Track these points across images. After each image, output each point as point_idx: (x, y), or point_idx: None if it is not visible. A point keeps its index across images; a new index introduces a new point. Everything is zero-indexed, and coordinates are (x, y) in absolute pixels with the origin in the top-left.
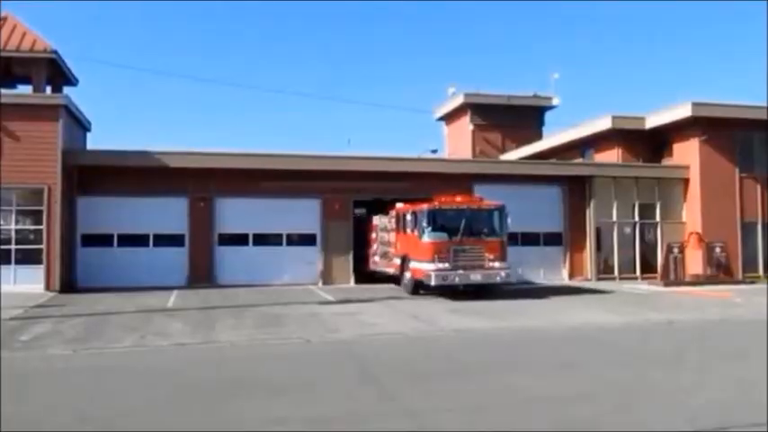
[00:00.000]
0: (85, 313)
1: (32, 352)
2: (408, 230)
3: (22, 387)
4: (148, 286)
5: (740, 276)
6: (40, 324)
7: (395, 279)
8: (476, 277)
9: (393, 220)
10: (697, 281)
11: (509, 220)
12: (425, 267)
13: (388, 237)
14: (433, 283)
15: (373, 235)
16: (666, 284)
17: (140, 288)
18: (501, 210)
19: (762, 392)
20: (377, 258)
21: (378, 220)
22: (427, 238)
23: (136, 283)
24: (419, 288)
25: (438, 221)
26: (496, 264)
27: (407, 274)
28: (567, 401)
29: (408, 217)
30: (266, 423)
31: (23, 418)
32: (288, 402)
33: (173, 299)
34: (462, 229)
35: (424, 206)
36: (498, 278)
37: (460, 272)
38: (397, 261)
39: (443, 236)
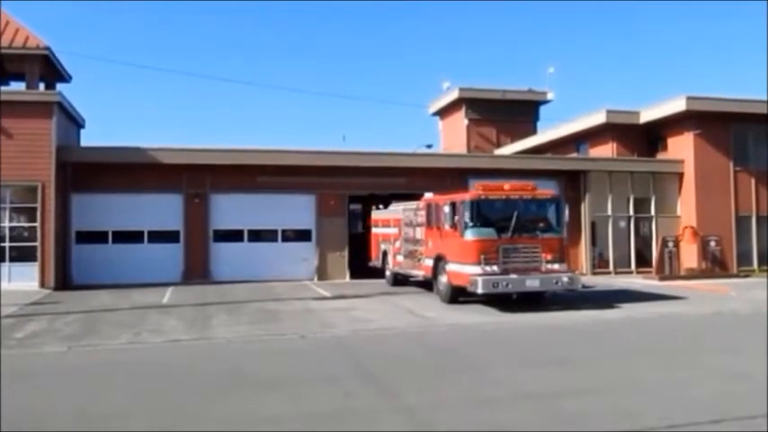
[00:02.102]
0: (80, 310)
1: (27, 350)
2: (445, 226)
3: (17, 385)
4: (143, 283)
5: (735, 270)
6: (34, 321)
7: (424, 284)
8: (532, 283)
9: (422, 214)
10: (692, 275)
11: (567, 213)
12: (469, 271)
13: (414, 233)
14: (480, 290)
15: (374, 230)
16: (661, 279)
17: (135, 285)
18: (558, 200)
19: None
20: (400, 258)
21: (385, 214)
22: (471, 235)
23: (131, 280)
24: (458, 295)
25: (484, 215)
26: (556, 266)
27: (443, 279)
28: None
29: (446, 209)
30: (261, 420)
31: (20, 417)
32: (283, 398)
33: (168, 295)
34: (514, 223)
35: (467, 196)
36: (559, 283)
37: (513, 276)
38: (428, 263)
39: (491, 233)
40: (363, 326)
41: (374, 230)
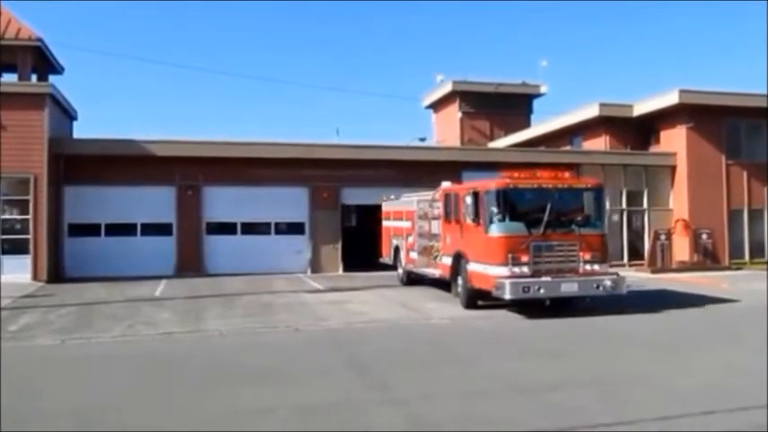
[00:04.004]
0: (73, 303)
1: (21, 342)
2: (466, 219)
3: (10, 378)
4: (136, 276)
5: (727, 263)
6: (27, 314)
7: (441, 283)
8: (570, 287)
9: (438, 205)
10: (684, 267)
11: (608, 205)
12: (494, 272)
13: (430, 227)
14: (508, 294)
15: (385, 223)
16: (653, 271)
17: (128, 277)
18: (600, 190)
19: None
20: (414, 255)
21: (397, 205)
22: (497, 230)
23: (124, 273)
24: (477, 299)
25: (512, 206)
26: (596, 266)
27: (461, 280)
28: None
29: (467, 200)
30: (254, 412)
31: (12, 410)
32: (276, 391)
33: (161, 288)
34: (547, 217)
35: (492, 184)
36: (601, 288)
37: (546, 279)
38: (446, 261)
39: (520, 228)
40: (356, 318)
41: (385, 224)
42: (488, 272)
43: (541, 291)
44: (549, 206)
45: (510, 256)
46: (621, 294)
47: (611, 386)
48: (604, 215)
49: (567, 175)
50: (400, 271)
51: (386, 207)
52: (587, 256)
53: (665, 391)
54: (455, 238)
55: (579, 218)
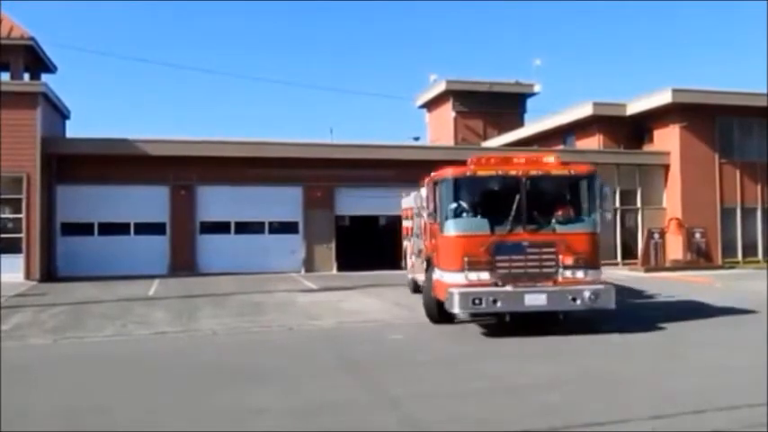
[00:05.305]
0: (66, 302)
1: (12, 342)
2: (424, 216)
3: (3, 378)
4: (130, 275)
5: (720, 262)
6: (20, 313)
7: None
8: (536, 300)
9: (421, 199)
10: (677, 266)
11: (609, 197)
12: (449, 280)
13: (421, 226)
14: (456, 308)
15: (404, 223)
16: (647, 270)
17: (121, 277)
18: (591, 177)
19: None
20: (414, 259)
21: (408, 201)
22: (452, 228)
23: (117, 272)
24: (447, 313)
25: (472, 200)
26: (580, 273)
27: (424, 289)
28: None
29: (423, 192)
30: (247, 413)
31: (5, 410)
32: (269, 391)
33: (154, 287)
34: (515, 211)
35: (448, 172)
36: (579, 301)
37: (507, 289)
38: (424, 266)
39: (480, 225)
40: (349, 318)
41: (404, 223)
42: (444, 279)
43: (498, 304)
44: (518, 198)
45: (466, 259)
46: (609, 309)
47: None
48: (599, 210)
49: (551, 160)
50: (409, 276)
51: (404, 204)
52: (569, 261)
53: None
54: (429, 239)
55: (561, 212)
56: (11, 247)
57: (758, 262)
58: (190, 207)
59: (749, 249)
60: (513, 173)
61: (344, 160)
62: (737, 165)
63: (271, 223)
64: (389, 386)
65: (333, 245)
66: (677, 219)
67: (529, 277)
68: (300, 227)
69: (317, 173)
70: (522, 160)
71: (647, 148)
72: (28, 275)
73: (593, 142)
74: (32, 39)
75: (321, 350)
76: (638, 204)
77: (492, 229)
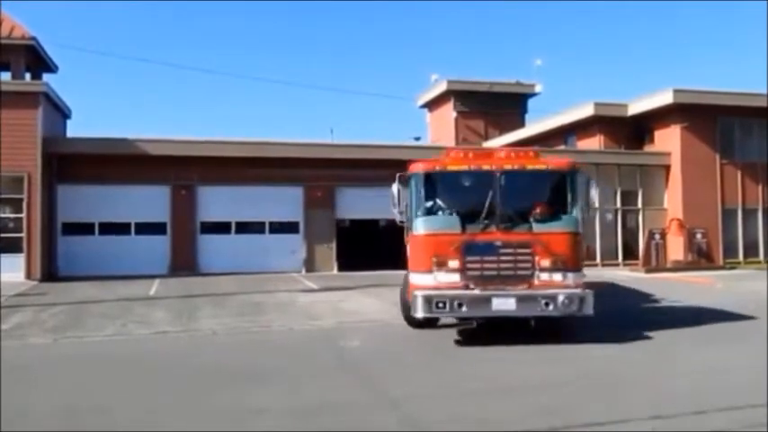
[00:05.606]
0: (66, 302)
1: (13, 341)
2: (401, 215)
3: (3, 377)
4: (130, 275)
5: (721, 262)
6: (20, 313)
7: None
8: (504, 304)
9: (392, 197)
10: (678, 267)
11: (594, 194)
12: (417, 281)
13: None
14: (419, 312)
15: None
16: (648, 271)
17: (122, 277)
18: (573, 173)
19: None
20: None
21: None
22: (421, 227)
23: (117, 272)
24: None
25: (442, 195)
26: (556, 276)
27: (400, 293)
28: None
29: (394, 188)
30: (247, 413)
31: (5, 409)
32: (269, 391)
33: (155, 287)
34: (488, 208)
35: (419, 166)
36: (552, 306)
37: (475, 292)
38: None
39: (451, 223)
40: (349, 318)
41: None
42: (413, 281)
43: (463, 308)
44: (491, 194)
45: (434, 260)
46: (587, 315)
47: None
48: (581, 207)
49: (530, 154)
50: None
51: None
52: (547, 263)
53: None
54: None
55: (538, 210)
56: (11, 246)
57: (759, 262)
58: (190, 207)
59: (750, 250)
60: (486, 167)
61: (345, 160)
62: (739, 165)
63: (271, 223)
64: None
65: (333, 245)
66: (678, 219)
67: (502, 280)
68: (301, 227)
69: (317, 173)
70: (503, 155)
71: (648, 148)
72: (28, 275)
73: (594, 142)
74: (34, 38)
75: (321, 350)
76: (639, 205)
77: (463, 228)
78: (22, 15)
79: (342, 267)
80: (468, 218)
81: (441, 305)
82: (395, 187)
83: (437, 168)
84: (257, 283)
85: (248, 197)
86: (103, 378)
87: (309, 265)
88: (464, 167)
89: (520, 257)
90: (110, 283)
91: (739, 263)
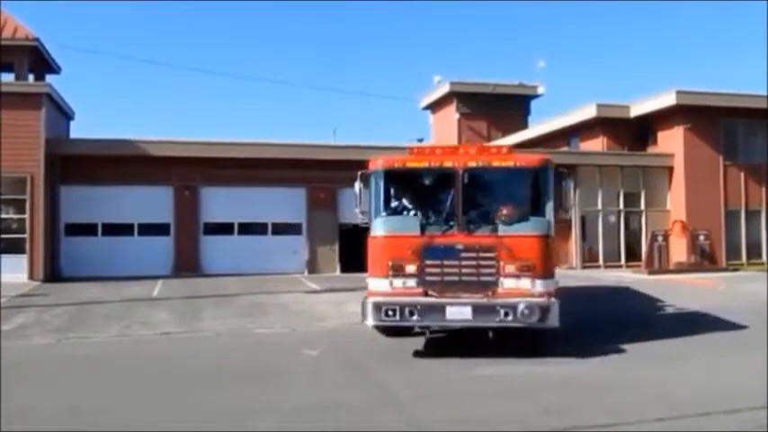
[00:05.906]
0: (69, 303)
1: (16, 342)
2: (363, 215)
3: (5, 376)
4: (133, 275)
5: (724, 264)
6: (23, 313)
7: None
8: (459, 313)
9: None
10: (681, 269)
11: (570, 194)
12: (374, 287)
13: None
14: (369, 320)
15: None
16: (650, 272)
17: (125, 277)
18: (544, 169)
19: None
20: None
21: None
22: (379, 228)
23: (121, 273)
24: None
25: (402, 194)
26: (523, 283)
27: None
28: None
29: (356, 188)
30: (251, 412)
31: (8, 409)
32: (273, 391)
33: (158, 288)
34: (450, 208)
35: (378, 162)
36: (511, 316)
37: (428, 299)
38: None
39: (409, 225)
40: (352, 319)
41: None
42: (370, 286)
43: (414, 317)
44: (453, 193)
45: (391, 263)
46: (552, 327)
47: None
48: (552, 207)
49: (503, 151)
50: None
51: None
52: (512, 268)
53: None
54: None
55: (505, 211)
56: (14, 247)
57: (762, 264)
58: (193, 208)
59: (753, 251)
60: (448, 164)
61: (348, 161)
62: (742, 167)
63: (274, 224)
64: None
65: (336, 246)
66: (681, 221)
67: (463, 287)
68: (304, 228)
69: (320, 174)
70: (473, 151)
71: (651, 149)
72: (31, 276)
73: (596, 144)
74: (37, 39)
75: (325, 350)
76: (642, 206)
77: (423, 230)
78: (24, 16)
79: (344, 269)
80: (429, 219)
81: (390, 313)
82: (357, 186)
83: (396, 165)
84: (260, 284)
85: (251, 198)
86: (106, 378)
87: (312, 266)
88: (425, 164)
89: (483, 262)
90: (113, 284)
91: (742, 264)
